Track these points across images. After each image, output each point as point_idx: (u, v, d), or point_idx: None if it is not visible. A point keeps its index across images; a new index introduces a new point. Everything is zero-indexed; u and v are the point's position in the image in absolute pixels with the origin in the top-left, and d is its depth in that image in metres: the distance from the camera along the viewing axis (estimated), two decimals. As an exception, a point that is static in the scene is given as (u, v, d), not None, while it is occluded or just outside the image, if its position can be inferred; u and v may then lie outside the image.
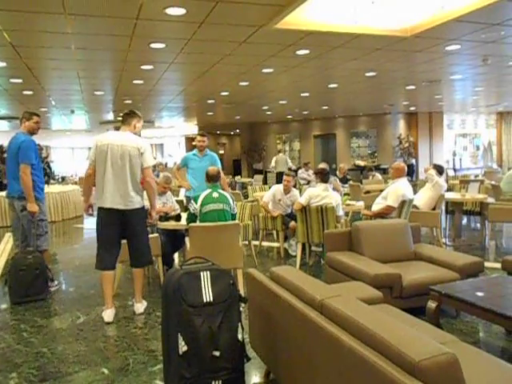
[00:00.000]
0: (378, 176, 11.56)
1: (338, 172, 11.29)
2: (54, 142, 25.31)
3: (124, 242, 4.08)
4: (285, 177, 6.43)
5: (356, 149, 17.21)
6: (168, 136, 26.45)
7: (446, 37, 5.85)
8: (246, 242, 5.85)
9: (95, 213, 4.02)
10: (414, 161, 16.31)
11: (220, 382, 2.39)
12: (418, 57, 7.03)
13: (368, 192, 9.10)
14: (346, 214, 7.54)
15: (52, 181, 13.01)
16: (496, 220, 6.70)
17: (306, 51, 6.40)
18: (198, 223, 4.54)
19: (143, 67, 7.20)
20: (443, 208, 7.48)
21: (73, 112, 13.17)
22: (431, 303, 3.11)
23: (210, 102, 11.76)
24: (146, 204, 4.17)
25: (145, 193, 4.13)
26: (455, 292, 3.03)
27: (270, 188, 7.07)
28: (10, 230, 5.18)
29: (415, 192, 6.78)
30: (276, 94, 11.01)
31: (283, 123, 18.78)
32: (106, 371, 3.05)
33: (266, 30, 5.18)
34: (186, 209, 5.52)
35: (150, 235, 4.38)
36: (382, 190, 6.16)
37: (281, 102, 12.38)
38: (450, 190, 8.19)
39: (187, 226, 4.53)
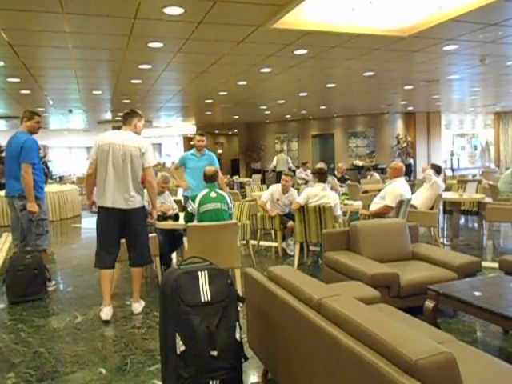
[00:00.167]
0: (376, 176, 11.58)
1: (336, 172, 11.31)
2: (51, 141, 25.24)
3: (123, 241, 4.09)
4: (283, 176, 6.43)
5: (354, 148, 17.23)
6: (166, 136, 26.41)
7: (444, 37, 5.87)
8: (244, 242, 5.85)
9: None
10: (411, 161, 16.33)
11: (218, 381, 2.39)
12: (416, 57, 7.04)
13: (366, 192, 9.11)
14: (344, 213, 7.55)
15: (50, 180, 13.00)
16: (493, 220, 6.71)
17: (304, 51, 6.40)
18: (195, 223, 4.54)
19: (141, 67, 7.19)
20: (441, 208, 7.50)
21: (70, 111, 13.14)
22: (429, 303, 3.11)
23: (208, 101, 11.75)
24: (147, 204, 4.18)
25: (145, 192, 4.14)
26: (453, 291, 3.04)
27: (268, 188, 7.07)
28: (10, 229, 5.17)
29: (413, 192, 6.79)
30: (274, 94, 11.01)
31: (281, 123, 18.78)
32: (103, 371, 3.04)
33: (264, 29, 5.18)
34: (184, 208, 5.51)
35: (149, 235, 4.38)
36: (380, 190, 6.17)
37: (279, 101, 12.38)
38: (447, 189, 8.19)
39: (185, 226, 4.53)
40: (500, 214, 6.55)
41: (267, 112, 15.15)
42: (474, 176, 13.05)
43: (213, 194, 4.60)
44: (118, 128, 4.21)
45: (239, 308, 2.57)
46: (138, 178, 3.97)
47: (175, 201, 5.88)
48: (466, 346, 2.32)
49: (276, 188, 6.46)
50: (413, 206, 6.20)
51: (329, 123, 17.67)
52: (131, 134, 4.01)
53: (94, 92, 9.81)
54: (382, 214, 5.42)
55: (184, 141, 24.50)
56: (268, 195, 6.48)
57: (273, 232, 6.98)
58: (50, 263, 5.77)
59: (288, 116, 17.24)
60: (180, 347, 2.33)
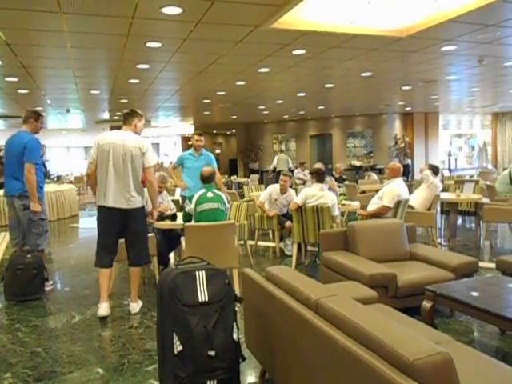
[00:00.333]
0: (374, 176, 11.60)
1: (334, 172, 11.31)
2: (49, 141, 25.14)
3: (122, 241, 4.09)
4: (281, 177, 6.43)
5: (352, 149, 17.24)
6: (164, 135, 26.40)
7: (442, 37, 5.87)
8: (242, 242, 5.84)
9: None
10: (409, 161, 16.35)
11: (215, 381, 2.39)
12: (414, 57, 7.04)
13: (364, 192, 9.12)
14: (342, 213, 7.55)
15: (47, 180, 12.95)
16: (490, 220, 6.73)
17: (302, 51, 6.40)
18: (193, 223, 4.54)
19: (139, 66, 7.18)
20: (438, 208, 7.52)
21: (68, 111, 13.12)
22: (426, 303, 3.12)
23: (206, 101, 11.74)
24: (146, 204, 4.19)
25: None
26: (450, 292, 3.05)
27: (266, 188, 7.07)
28: (7, 229, 5.15)
29: (411, 192, 6.80)
30: (272, 94, 11.01)
31: (279, 123, 18.78)
32: (100, 371, 3.04)
33: (262, 29, 5.17)
34: (181, 208, 5.51)
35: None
36: (377, 190, 6.17)
37: (277, 101, 12.38)
38: (445, 190, 8.21)
39: (183, 226, 4.53)
40: (497, 214, 6.57)
41: (265, 112, 15.15)
42: (472, 176, 13.07)
43: (210, 194, 4.61)
44: (118, 128, 4.21)
45: (237, 308, 2.57)
46: (139, 177, 3.99)
47: (173, 201, 5.88)
48: (463, 347, 2.32)
49: (274, 188, 6.46)
50: (410, 207, 6.21)
51: (327, 123, 17.68)
52: (131, 133, 4.02)
53: (92, 91, 9.79)
54: (379, 214, 5.42)
55: (182, 141, 24.49)
56: (266, 195, 6.49)
57: (271, 232, 6.99)
58: (47, 263, 5.75)
59: (286, 116, 17.25)
60: (177, 347, 2.33)
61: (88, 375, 2.97)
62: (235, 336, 2.47)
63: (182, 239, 4.73)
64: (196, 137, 6.05)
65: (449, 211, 7.38)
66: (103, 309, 3.99)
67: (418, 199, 6.56)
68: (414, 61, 7.35)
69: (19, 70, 7.22)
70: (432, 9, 4.99)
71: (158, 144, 29.81)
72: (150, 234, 4.69)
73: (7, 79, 8.00)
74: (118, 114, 13.43)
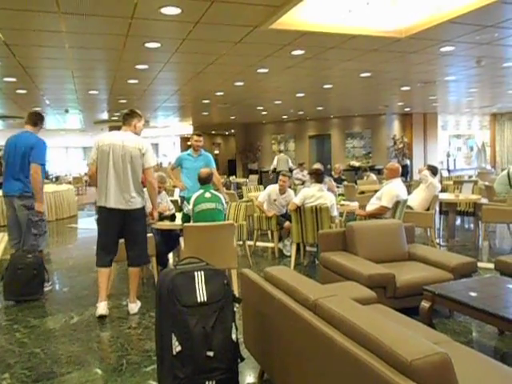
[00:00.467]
0: (373, 176, 11.60)
1: (333, 172, 11.31)
2: (47, 141, 25.07)
3: (121, 241, 4.09)
4: (281, 177, 6.43)
5: (351, 149, 17.25)
6: (163, 136, 26.38)
7: (441, 38, 5.88)
8: (241, 242, 5.85)
9: None
10: (408, 161, 16.36)
11: (214, 382, 2.39)
12: (413, 58, 7.05)
13: (363, 192, 9.13)
14: (341, 214, 7.56)
15: (46, 180, 12.93)
16: (489, 221, 6.74)
17: (302, 52, 6.41)
18: (192, 223, 4.54)
19: (138, 67, 7.18)
20: (437, 208, 7.51)
21: (67, 111, 13.11)
22: (424, 303, 3.12)
23: (205, 101, 11.74)
24: (147, 204, 4.19)
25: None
26: (448, 292, 3.05)
27: (265, 188, 7.07)
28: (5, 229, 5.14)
29: (409, 193, 6.81)
30: (271, 95, 11.01)
31: (278, 123, 18.78)
32: (99, 371, 3.04)
33: (261, 30, 5.18)
34: (180, 209, 5.51)
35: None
36: (376, 191, 6.18)
37: (276, 102, 12.38)
38: (443, 190, 8.22)
39: (182, 226, 4.53)
40: (496, 214, 6.57)
41: (264, 113, 15.15)
42: (470, 177, 13.07)
43: (207, 195, 4.62)
44: (117, 128, 4.21)
45: (235, 308, 2.57)
46: (139, 178, 3.99)
47: (172, 201, 5.88)
48: (462, 347, 2.33)
49: (273, 188, 6.46)
50: (409, 207, 6.22)
51: (326, 124, 17.69)
52: (131, 134, 4.02)
53: (91, 92, 9.78)
54: (378, 214, 5.43)
55: (181, 141, 24.49)
56: (265, 195, 6.48)
57: (269, 232, 6.98)
58: (45, 263, 5.74)
59: (285, 117, 17.25)
60: (176, 348, 2.33)
61: (87, 376, 2.97)
62: (234, 336, 2.47)
63: (181, 239, 4.73)
64: (195, 137, 6.05)
65: (447, 211, 7.39)
66: (102, 308, 3.99)
67: (416, 199, 6.56)
68: (412, 61, 7.36)
69: (18, 70, 7.21)
70: (431, 9, 5.00)
71: (156, 144, 29.82)
72: (148, 235, 4.69)
73: (6, 79, 7.99)
74: (117, 114, 13.43)
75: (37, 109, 12.02)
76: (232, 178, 15.73)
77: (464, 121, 18.94)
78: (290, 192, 6.49)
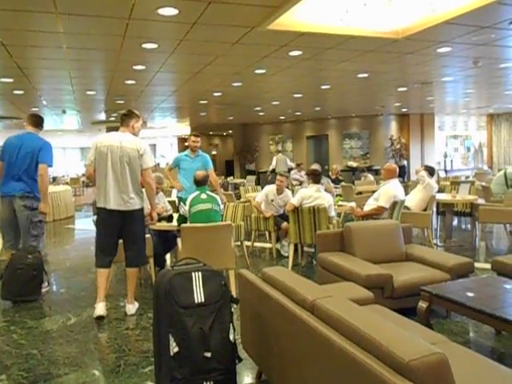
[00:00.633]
0: (370, 177, 11.63)
1: (330, 173, 11.33)
2: (45, 141, 25.08)
3: (120, 242, 4.08)
4: (278, 177, 6.44)
5: (348, 150, 17.28)
6: (160, 136, 26.35)
7: (437, 39, 5.90)
8: (239, 243, 5.85)
9: None
10: (405, 162, 16.41)
11: (211, 383, 2.38)
12: (410, 59, 7.07)
13: (360, 193, 9.14)
14: (338, 214, 7.57)
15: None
16: (486, 221, 6.76)
17: (299, 52, 6.41)
18: (189, 224, 4.54)
19: (135, 67, 7.17)
20: (434, 209, 7.53)
21: (64, 112, 13.08)
22: (422, 303, 3.13)
23: (202, 102, 11.73)
24: (146, 205, 4.19)
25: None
26: (446, 292, 3.06)
27: (262, 189, 7.07)
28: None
29: (407, 193, 6.82)
30: (269, 95, 11.02)
31: (276, 124, 18.80)
32: (96, 373, 3.03)
33: (258, 30, 5.18)
34: (178, 209, 5.50)
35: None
36: (374, 191, 6.19)
37: (273, 102, 12.39)
38: (440, 191, 8.23)
39: (179, 227, 4.53)
40: (492, 215, 6.59)
41: (262, 113, 15.16)
42: (467, 177, 13.11)
43: (203, 196, 4.63)
44: (115, 129, 4.20)
45: (233, 309, 2.57)
46: (138, 179, 3.99)
47: (169, 202, 5.87)
48: (459, 347, 2.33)
49: (271, 189, 6.46)
50: (406, 208, 6.23)
51: (323, 124, 17.71)
52: (129, 135, 4.01)
53: (88, 92, 9.76)
54: (375, 214, 5.44)
55: (178, 142, 24.47)
56: (263, 196, 6.48)
57: (267, 233, 6.98)
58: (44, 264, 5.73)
59: (282, 117, 17.27)
60: (173, 348, 2.33)
61: (84, 377, 2.96)
62: (232, 337, 2.47)
63: (178, 240, 4.73)
64: (192, 138, 6.05)
65: (444, 212, 7.40)
66: (100, 309, 3.98)
67: (413, 200, 6.58)
68: (409, 62, 7.38)
69: (15, 71, 7.19)
70: (427, 11, 5.01)
71: (154, 145, 29.78)
72: (146, 236, 4.68)
73: (3, 80, 7.96)
74: (115, 115, 13.41)
75: (34, 109, 12.01)
76: (230, 178, 15.73)
77: (461, 121, 19.00)
78: (288, 192, 6.49)
